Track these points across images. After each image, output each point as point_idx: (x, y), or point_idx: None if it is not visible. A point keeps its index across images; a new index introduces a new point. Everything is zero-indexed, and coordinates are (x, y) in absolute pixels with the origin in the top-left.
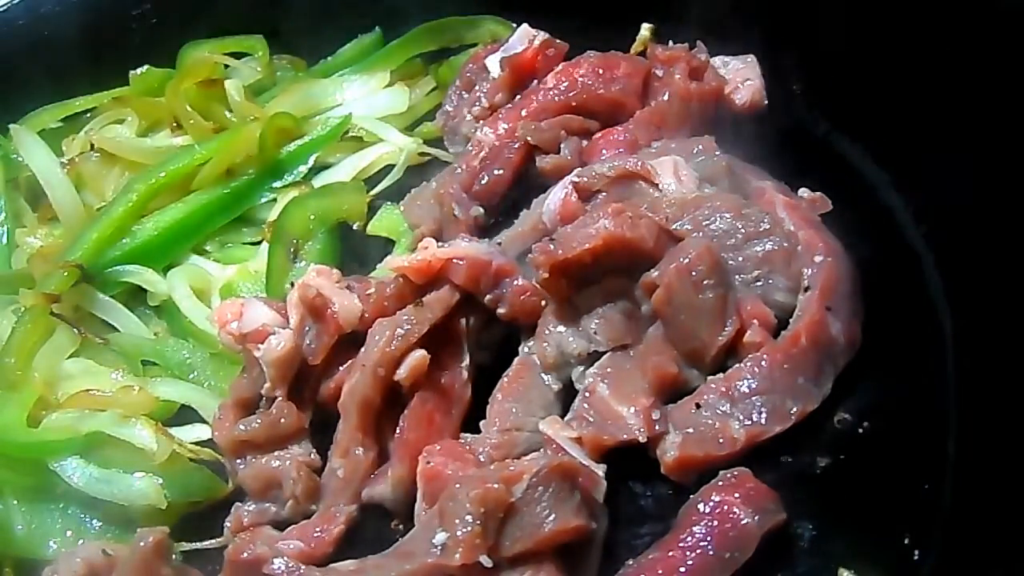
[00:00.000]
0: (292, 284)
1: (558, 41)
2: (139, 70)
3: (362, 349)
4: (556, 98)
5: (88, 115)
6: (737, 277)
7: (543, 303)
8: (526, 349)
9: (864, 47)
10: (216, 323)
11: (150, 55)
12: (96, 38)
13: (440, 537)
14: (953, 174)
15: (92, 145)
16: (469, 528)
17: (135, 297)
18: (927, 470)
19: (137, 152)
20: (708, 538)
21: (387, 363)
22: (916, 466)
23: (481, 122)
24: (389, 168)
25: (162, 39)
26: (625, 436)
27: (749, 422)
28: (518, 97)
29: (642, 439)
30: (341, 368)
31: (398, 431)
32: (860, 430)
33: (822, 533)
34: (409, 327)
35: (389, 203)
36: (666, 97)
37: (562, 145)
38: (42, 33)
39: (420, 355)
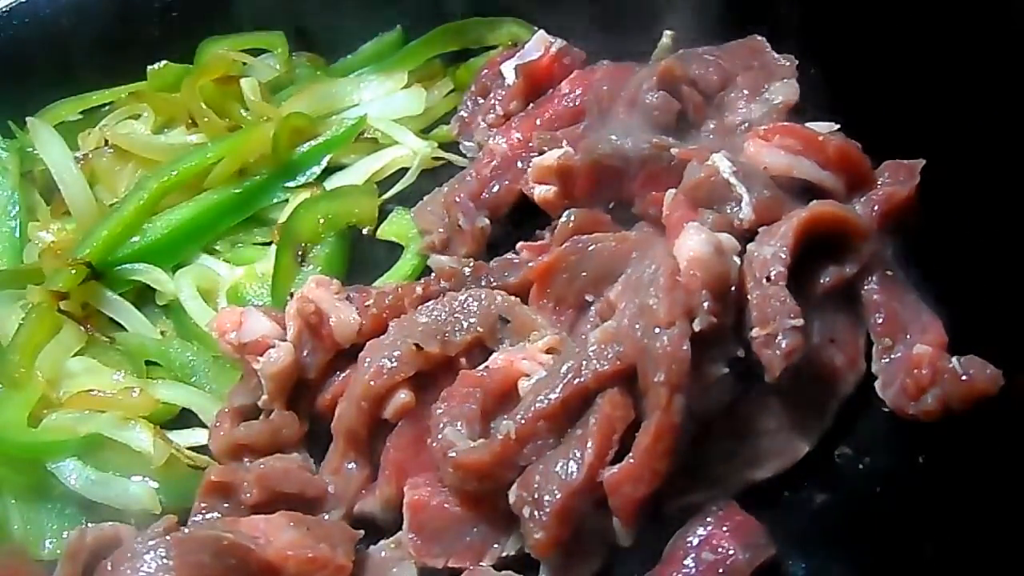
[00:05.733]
0: (292, 294)
1: (575, 49)
2: (156, 65)
3: (355, 368)
4: (570, 105)
5: (107, 108)
6: None
7: None
8: None
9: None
10: (215, 332)
11: (171, 49)
12: (117, 30)
13: None
14: None
15: (106, 141)
16: None
17: (144, 295)
18: (926, 510)
19: (150, 149)
20: (696, 573)
21: (371, 398)
22: (914, 506)
23: (494, 130)
24: (403, 171)
25: (183, 33)
26: None
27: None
28: (532, 105)
29: None
30: (339, 378)
31: (385, 451)
32: (860, 466)
33: (812, 571)
34: (396, 364)
35: (400, 207)
36: None
37: None
38: (62, 24)
39: (405, 399)
